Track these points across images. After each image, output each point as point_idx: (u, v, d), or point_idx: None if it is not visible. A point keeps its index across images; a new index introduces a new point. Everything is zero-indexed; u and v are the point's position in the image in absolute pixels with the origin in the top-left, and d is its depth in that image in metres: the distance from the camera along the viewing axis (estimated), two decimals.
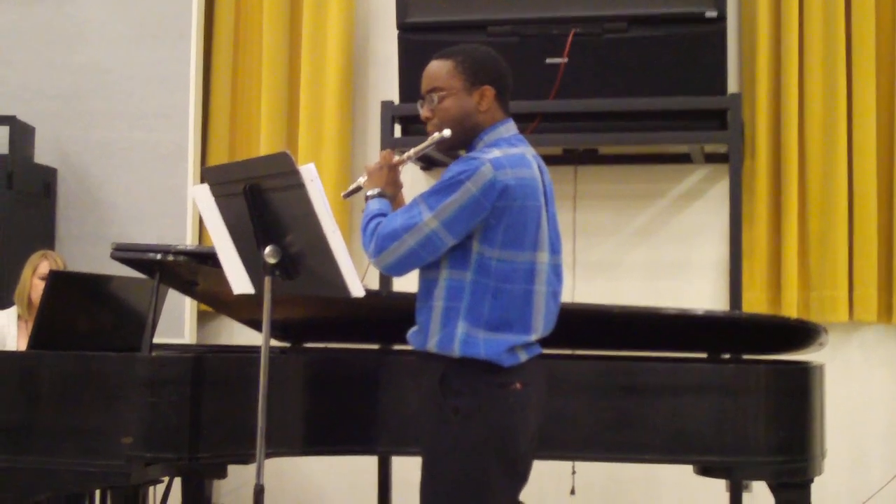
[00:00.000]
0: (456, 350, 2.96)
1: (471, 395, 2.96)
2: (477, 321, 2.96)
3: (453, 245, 2.97)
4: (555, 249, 3.10)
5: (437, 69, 3.11)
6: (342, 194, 3.27)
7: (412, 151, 3.18)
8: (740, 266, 5.06)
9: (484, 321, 2.96)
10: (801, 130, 5.34)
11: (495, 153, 2.98)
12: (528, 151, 3.09)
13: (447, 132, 3.08)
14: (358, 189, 3.22)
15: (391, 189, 3.19)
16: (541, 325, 3.05)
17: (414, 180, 5.57)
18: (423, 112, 3.14)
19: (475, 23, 5.22)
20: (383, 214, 3.06)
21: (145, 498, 4.39)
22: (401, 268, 3.02)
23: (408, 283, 3.26)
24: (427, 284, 3.06)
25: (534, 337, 3.03)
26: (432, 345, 3.01)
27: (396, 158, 3.22)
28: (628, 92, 5.12)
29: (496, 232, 2.95)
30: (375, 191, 3.14)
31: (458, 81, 3.08)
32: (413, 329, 3.12)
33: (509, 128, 3.13)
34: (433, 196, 2.96)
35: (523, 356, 3.00)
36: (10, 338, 4.83)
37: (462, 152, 3.16)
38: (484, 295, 2.96)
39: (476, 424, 2.94)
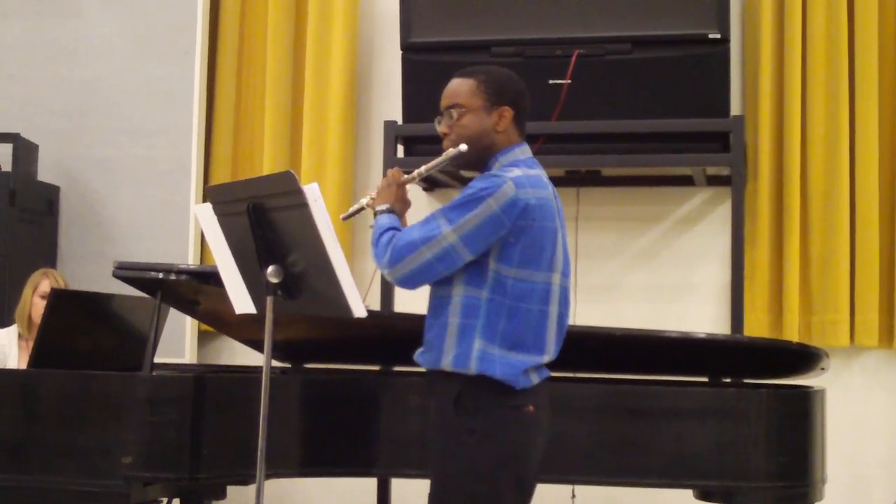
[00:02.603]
0: (472, 367, 2.96)
1: (486, 416, 2.96)
2: (492, 338, 2.96)
3: (469, 262, 2.97)
4: (565, 273, 3.11)
5: (459, 86, 3.12)
6: (342, 216, 3.27)
7: (423, 168, 3.19)
8: (742, 289, 5.06)
9: (499, 339, 2.96)
10: (804, 153, 5.35)
11: (516, 172, 3.00)
12: (543, 174, 3.11)
13: (463, 147, 3.08)
14: (360, 210, 3.22)
15: (400, 206, 3.19)
16: (553, 346, 3.06)
17: (415, 200, 5.57)
18: (441, 128, 3.15)
19: (479, 43, 5.23)
20: (396, 228, 3.06)
21: None
22: (415, 280, 3.01)
23: (410, 303, 3.25)
24: (439, 302, 3.05)
25: (545, 358, 3.04)
26: (447, 363, 3.00)
27: (405, 176, 3.22)
28: (631, 114, 5.13)
29: (514, 250, 2.96)
30: (384, 207, 3.14)
31: (479, 100, 3.09)
32: (421, 349, 3.11)
33: (524, 150, 3.15)
34: (454, 210, 2.96)
35: (535, 378, 3.01)
36: (10, 357, 4.82)
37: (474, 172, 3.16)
38: (500, 313, 2.96)
39: (491, 446, 2.94)
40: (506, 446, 2.96)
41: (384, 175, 5.28)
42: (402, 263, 2.98)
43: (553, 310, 3.03)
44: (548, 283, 3.01)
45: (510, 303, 2.96)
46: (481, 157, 3.11)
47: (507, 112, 3.10)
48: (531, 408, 2.99)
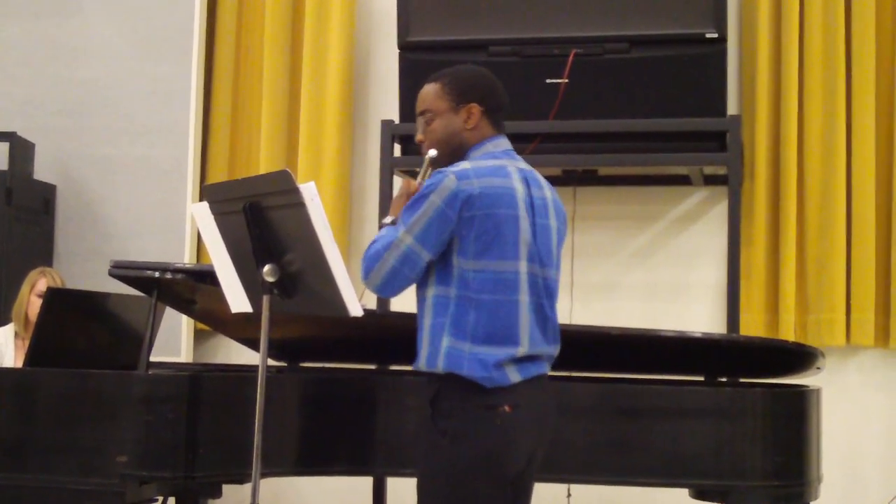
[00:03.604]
0: (440, 365, 2.95)
1: (459, 417, 2.95)
2: (461, 335, 2.95)
3: (433, 260, 2.97)
4: (543, 262, 3.07)
5: (426, 92, 3.16)
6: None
7: (419, 177, 3.20)
8: (738, 288, 5.06)
9: (469, 334, 2.94)
10: (801, 153, 5.35)
11: (464, 165, 3.02)
12: (511, 164, 3.09)
13: (433, 153, 3.12)
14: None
15: None
16: (527, 337, 3.00)
17: None
18: (417, 135, 3.19)
19: (476, 42, 5.23)
20: None
21: None
22: (389, 288, 3.00)
23: (406, 303, 3.25)
24: (420, 304, 3.06)
25: (520, 350, 2.99)
26: (422, 363, 3.02)
27: (414, 184, 3.23)
28: (628, 113, 5.13)
29: (468, 242, 2.95)
30: (389, 219, 3.14)
31: (444, 102, 3.12)
32: None
33: (498, 143, 3.14)
34: (406, 212, 2.99)
35: (515, 377, 2.97)
36: (6, 356, 4.82)
37: None
38: (467, 308, 2.95)
39: (463, 447, 2.93)
40: (479, 448, 2.92)
41: (380, 174, 5.36)
42: (372, 273, 2.98)
43: (523, 299, 3.00)
44: (513, 271, 2.98)
45: (474, 296, 2.95)
46: (456, 157, 3.11)
47: (475, 108, 3.10)
48: (507, 408, 2.95)
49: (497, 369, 2.94)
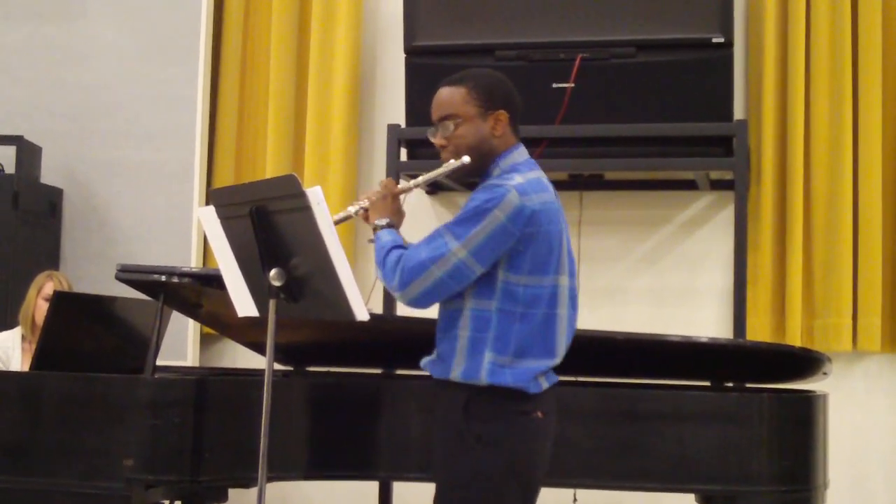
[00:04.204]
0: (483, 379, 2.94)
1: (495, 422, 2.95)
2: (504, 350, 2.94)
3: (481, 274, 2.95)
4: (572, 273, 3.09)
5: (450, 96, 3.08)
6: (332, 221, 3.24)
7: (421, 179, 3.15)
8: (745, 293, 5.05)
9: (511, 350, 2.94)
10: (807, 158, 5.34)
11: (517, 179, 2.97)
12: (543, 176, 3.09)
13: (466, 159, 3.05)
14: (347, 218, 3.16)
15: (396, 218, 3.15)
16: (562, 349, 3.04)
17: (421, 206, 5.60)
18: (437, 140, 3.11)
19: (482, 46, 5.23)
20: (401, 246, 3.04)
21: None
22: (428, 299, 2.99)
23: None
24: (450, 315, 3.03)
25: (556, 361, 3.02)
26: (456, 374, 2.99)
27: (399, 186, 3.20)
28: (634, 117, 5.12)
29: (524, 258, 2.94)
30: (384, 221, 3.11)
31: (473, 107, 3.06)
32: (430, 358, 3.10)
33: (522, 153, 3.12)
34: (460, 225, 2.94)
35: (544, 384, 3.00)
36: (13, 359, 4.82)
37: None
38: (510, 322, 2.94)
39: (498, 452, 2.93)
40: (513, 453, 2.94)
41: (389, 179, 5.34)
42: (413, 284, 2.95)
43: (563, 312, 3.01)
44: (555, 285, 2.99)
45: (522, 310, 2.94)
46: (483, 164, 3.07)
47: (503, 115, 3.07)
48: (539, 414, 2.98)
49: (534, 379, 2.96)
